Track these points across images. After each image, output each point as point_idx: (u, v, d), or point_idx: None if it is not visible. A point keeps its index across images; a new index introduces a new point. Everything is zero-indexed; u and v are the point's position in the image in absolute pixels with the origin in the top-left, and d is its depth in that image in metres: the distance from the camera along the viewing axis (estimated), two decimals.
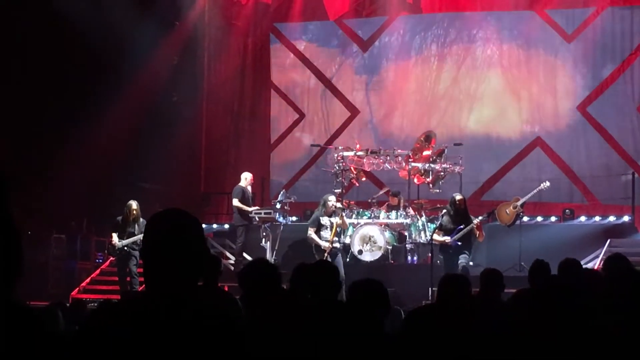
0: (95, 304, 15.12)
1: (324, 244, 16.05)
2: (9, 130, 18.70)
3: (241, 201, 18.39)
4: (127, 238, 16.22)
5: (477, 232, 15.76)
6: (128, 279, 16.46)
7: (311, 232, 16.26)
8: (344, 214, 16.59)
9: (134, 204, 16.42)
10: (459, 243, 15.61)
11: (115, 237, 16.40)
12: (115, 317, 3.21)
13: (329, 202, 16.29)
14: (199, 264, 3.33)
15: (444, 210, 16.45)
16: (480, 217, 15.90)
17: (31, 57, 19.29)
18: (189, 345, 3.14)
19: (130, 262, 16.34)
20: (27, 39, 19.30)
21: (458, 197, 16.10)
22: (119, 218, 16.53)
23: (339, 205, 16.39)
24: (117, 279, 17.24)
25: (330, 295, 5.77)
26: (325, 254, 15.83)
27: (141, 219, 16.25)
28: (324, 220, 16.24)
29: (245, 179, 18.82)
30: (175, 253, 3.26)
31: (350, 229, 17.23)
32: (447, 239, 15.65)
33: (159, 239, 3.31)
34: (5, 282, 2.94)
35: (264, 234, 18.67)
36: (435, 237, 15.89)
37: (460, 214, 15.82)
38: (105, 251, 17.83)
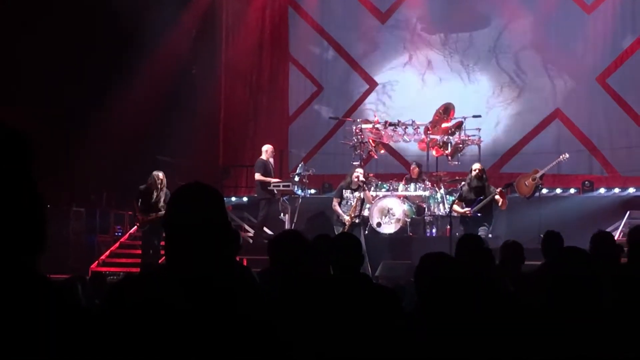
0: (115, 277, 15.19)
1: (344, 217, 16.12)
2: (29, 103, 18.73)
3: (263, 175, 18.40)
4: (151, 210, 16.26)
5: (501, 200, 15.76)
6: (151, 251, 16.52)
7: (335, 204, 16.42)
8: (367, 189, 16.60)
9: (160, 174, 16.42)
10: (479, 214, 15.60)
11: (140, 214, 16.45)
12: (137, 291, 3.22)
13: (353, 175, 16.34)
14: (222, 237, 3.34)
15: (463, 182, 16.46)
16: (500, 188, 15.90)
17: (52, 30, 19.31)
18: (208, 318, 3.15)
19: (155, 235, 16.37)
20: (49, 12, 19.34)
21: (477, 166, 16.12)
22: (142, 187, 16.54)
23: (362, 178, 16.40)
24: (136, 252, 17.31)
25: (352, 268, 5.77)
26: (344, 228, 15.88)
27: (166, 189, 16.27)
28: (347, 193, 16.29)
29: (266, 151, 18.78)
30: (198, 226, 3.27)
31: None
32: (467, 210, 15.66)
33: (182, 212, 3.32)
34: (30, 253, 2.95)
35: (283, 206, 18.70)
36: (456, 207, 15.92)
37: (479, 183, 15.82)
38: (136, 225, 17.83)
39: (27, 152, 2.98)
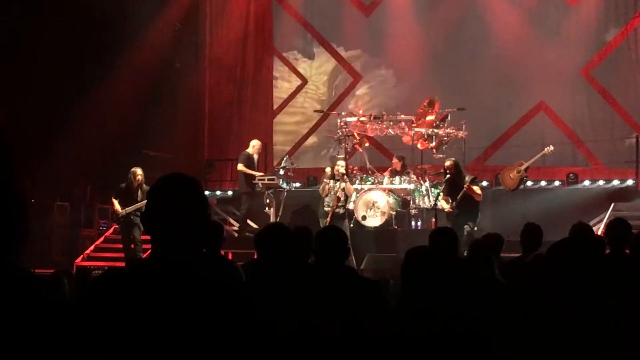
0: (100, 272, 15.11)
1: (326, 209, 16.13)
2: (11, 98, 18.65)
3: (246, 167, 18.39)
4: (131, 205, 16.18)
5: (472, 194, 15.75)
6: (132, 246, 16.44)
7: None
8: (347, 180, 16.56)
9: (138, 170, 16.33)
10: (457, 210, 15.62)
11: (117, 205, 16.35)
12: (120, 285, 3.20)
13: (335, 167, 16.35)
14: (201, 230, 3.31)
15: (449, 176, 16.47)
16: (466, 184, 15.82)
17: (34, 22, 19.23)
18: (192, 311, 3.13)
19: (134, 230, 16.29)
20: (31, 5, 19.28)
21: (447, 162, 16.14)
22: (123, 185, 16.46)
23: (342, 170, 16.36)
24: (121, 246, 17.22)
25: (338, 260, 5.76)
26: (327, 220, 15.87)
27: (145, 186, 16.18)
28: (330, 183, 16.30)
29: (253, 146, 18.79)
30: (177, 219, 3.24)
31: (354, 194, 17.20)
32: (449, 207, 15.70)
33: (161, 204, 3.28)
34: (11, 248, 2.93)
35: (268, 200, 18.68)
36: (443, 203, 15.96)
37: (453, 178, 15.83)
38: (109, 218, 17.84)
39: (4, 149, 2.96)
